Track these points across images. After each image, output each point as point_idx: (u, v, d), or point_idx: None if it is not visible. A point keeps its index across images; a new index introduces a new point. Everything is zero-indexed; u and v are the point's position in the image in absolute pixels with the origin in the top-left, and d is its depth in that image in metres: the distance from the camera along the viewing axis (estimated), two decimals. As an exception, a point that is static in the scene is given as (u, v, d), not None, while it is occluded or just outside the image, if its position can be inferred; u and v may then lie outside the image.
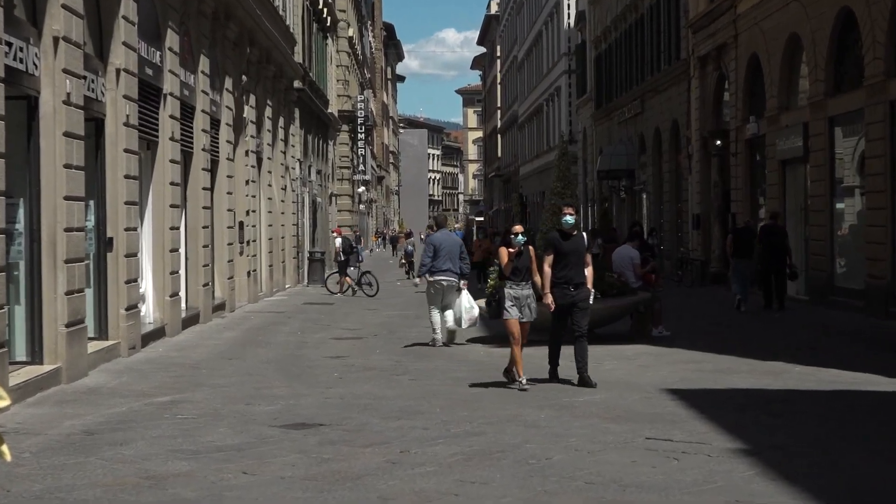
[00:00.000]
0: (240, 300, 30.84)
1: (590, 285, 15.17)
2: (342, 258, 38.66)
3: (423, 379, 15.69)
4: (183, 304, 23.83)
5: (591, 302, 15.12)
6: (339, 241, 39.86)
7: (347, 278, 38.23)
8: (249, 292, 32.11)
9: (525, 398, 13.88)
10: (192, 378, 15.98)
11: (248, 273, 32.01)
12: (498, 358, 17.88)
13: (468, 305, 19.89)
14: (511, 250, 14.64)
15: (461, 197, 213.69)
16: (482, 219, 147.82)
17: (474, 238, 52.98)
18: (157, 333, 21.37)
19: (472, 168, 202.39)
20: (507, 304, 14.56)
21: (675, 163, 47.80)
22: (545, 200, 25.04)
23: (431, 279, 20.03)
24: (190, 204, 24.93)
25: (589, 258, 15.15)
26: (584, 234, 15.72)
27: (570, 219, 15.05)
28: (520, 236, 14.69)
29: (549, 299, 14.97)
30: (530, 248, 14.88)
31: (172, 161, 22.56)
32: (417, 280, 20.60)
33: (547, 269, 15.08)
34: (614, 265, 22.28)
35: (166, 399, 13.95)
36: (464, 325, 19.97)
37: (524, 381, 14.68)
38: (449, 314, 20.15)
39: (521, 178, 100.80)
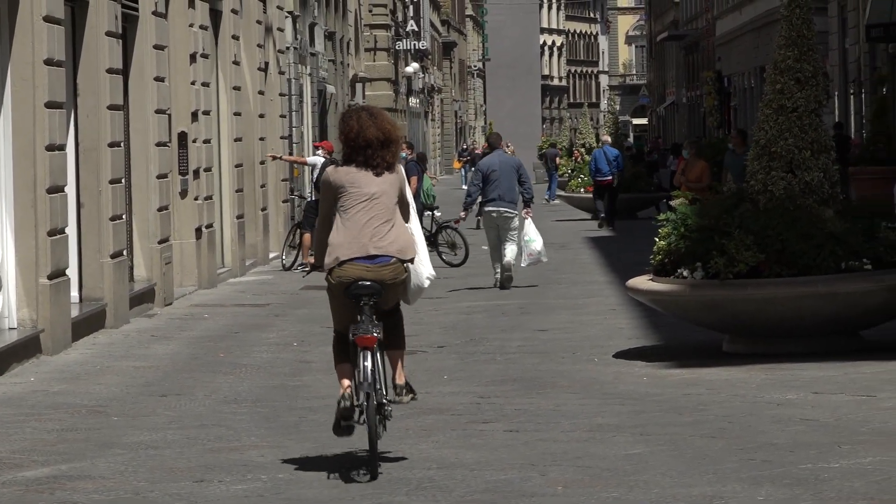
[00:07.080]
0: (183, 283, 25.48)
1: None
2: (313, 198, 26.98)
3: (530, 430, 12.47)
4: (74, 293, 19.26)
5: None
6: (316, 160, 28.16)
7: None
8: (201, 268, 26.41)
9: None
10: (93, 432, 13.06)
11: (199, 232, 26.39)
12: (674, 389, 14.02)
13: (528, 238, 21.01)
14: None
15: (605, 80, 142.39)
16: (645, 121, 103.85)
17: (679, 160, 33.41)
18: (26, 348, 17.15)
19: (626, 25, 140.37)
20: None
21: None
22: (765, 85, 19.00)
23: (485, 210, 21.48)
24: (83, 102, 19.97)
25: None
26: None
27: None
28: None
29: None
30: None
31: (48, 19, 17.31)
32: (462, 214, 22.39)
33: None
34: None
35: (42, 473, 11.11)
36: (523, 263, 21.04)
37: None
38: (509, 250, 21.08)
39: (717, 44, 69.54)
